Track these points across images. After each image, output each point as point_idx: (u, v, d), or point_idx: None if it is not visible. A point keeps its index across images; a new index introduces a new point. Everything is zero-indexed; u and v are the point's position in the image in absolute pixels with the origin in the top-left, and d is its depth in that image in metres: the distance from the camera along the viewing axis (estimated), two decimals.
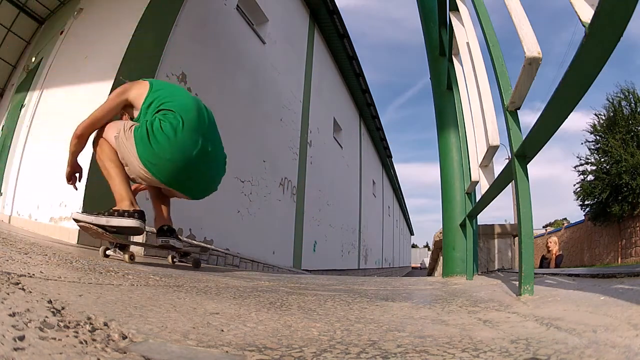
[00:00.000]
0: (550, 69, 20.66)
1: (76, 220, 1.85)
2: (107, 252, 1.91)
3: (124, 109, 1.96)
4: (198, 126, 1.84)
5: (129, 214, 1.76)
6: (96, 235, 1.83)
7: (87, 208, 2.82)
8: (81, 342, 0.51)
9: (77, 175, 2.06)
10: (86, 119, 1.91)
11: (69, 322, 0.58)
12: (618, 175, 10.60)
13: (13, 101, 5.31)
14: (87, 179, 2.85)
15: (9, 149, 4.56)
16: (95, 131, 1.88)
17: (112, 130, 1.83)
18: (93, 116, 1.91)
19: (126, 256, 1.82)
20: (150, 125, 1.73)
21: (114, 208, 1.81)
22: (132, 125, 1.79)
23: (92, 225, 1.78)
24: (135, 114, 1.89)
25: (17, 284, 0.78)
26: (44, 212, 3.27)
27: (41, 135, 3.97)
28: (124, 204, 1.80)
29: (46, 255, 1.50)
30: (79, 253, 1.95)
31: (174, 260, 2.19)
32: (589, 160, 12.01)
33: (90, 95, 3.28)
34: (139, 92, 1.87)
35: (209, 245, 2.32)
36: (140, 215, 1.80)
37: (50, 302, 0.67)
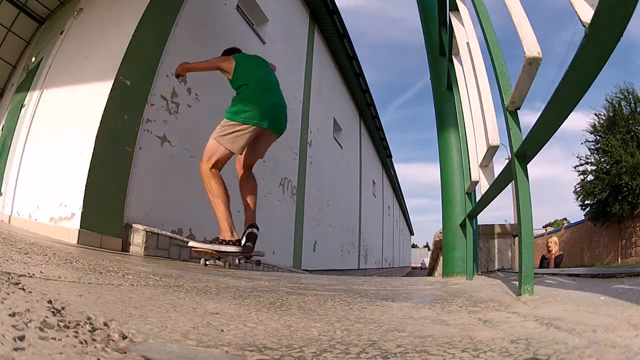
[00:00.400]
0: (550, 69, 20.61)
1: (193, 247, 2.51)
2: (207, 263, 2.56)
3: (222, 71, 2.85)
4: (268, 87, 2.72)
5: (232, 243, 2.47)
6: (205, 255, 2.54)
7: (87, 208, 2.82)
8: (81, 342, 0.51)
9: (183, 76, 3.05)
10: (190, 63, 2.95)
11: (69, 322, 0.58)
12: (618, 175, 10.58)
13: (13, 101, 5.31)
14: (88, 179, 2.86)
15: (9, 149, 4.56)
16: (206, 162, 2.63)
17: (211, 146, 2.64)
18: (195, 64, 2.97)
19: (226, 264, 2.57)
20: (237, 103, 2.62)
21: (221, 238, 2.47)
22: (222, 126, 2.63)
23: (207, 250, 2.46)
24: (228, 76, 2.80)
25: (17, 284, 0.78)
26: (44, 212, 3.27)
27: (41, 135, 3.97)
28: (227, 234, 2.48)
29: (46, 255, 1.50)
30: (79, 253, 1.95)
31: (240, 261, 2.83)
32: (589, 160, 12.00)
33: (90, 95, 3.28)
34: (230, 65, 2.77)
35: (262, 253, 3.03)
36: (238, 242, 2.50)
37: (50, 302, 0.67)
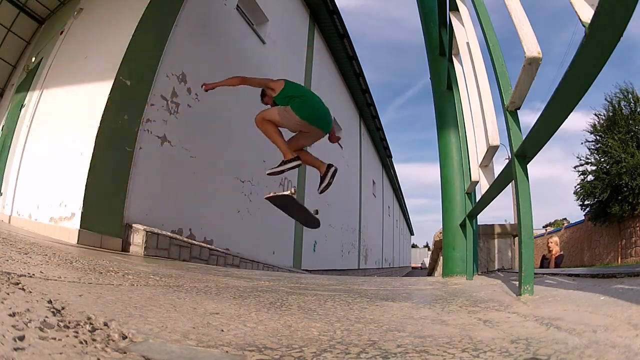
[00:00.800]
0: (551, 69, 20.58)
1: (269, 173, 3.18)
2: (273, 193, 3.30)
3: (266, 89, 3.29)
4: (312, 97, 3.28)
5: (292, 160, 3.12)
6: (279, 174, 3.20)
7: (87, 208, 2.82)
8: (81, 342, 0.51)
9: (211, 89, 3.35)
10: (241, 78, 3.27)
11: (69, 322, 0.58)
12: (618, 175, 10.57)
13: (13, 101, 5.31)
14: (87, 179, 2.86)
15: (9, 149, 4.56)
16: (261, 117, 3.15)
17: (272, 113, 3.11)
18: (246, 78, 3.29)
19: (292, 189, 3.32)
20: (299, 103, 3.11)
21: (284, 160, 3.12)
22: (284, 108, 3.09)
23: (280, 171, 3.15)
24: (272, 93, 3.22)
25: (17, 284, 0.78)
26: (44, 212, 3.27)
27: (41, 135, 3.97)
28: (288, 155, 3.12)
29: (46, 255, 1.50)
30: (79, 253, 1.95)
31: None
32: (589, 161, 11.98)
33: (90, 95, 3.28)
34: (278, 85, 3.22)
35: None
36: (297, 158, 3.14)
37: (50, 302, 0.67)
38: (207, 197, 4.17)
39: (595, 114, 11.99)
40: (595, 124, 11.97)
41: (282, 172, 3.20)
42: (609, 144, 10.95)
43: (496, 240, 3.24)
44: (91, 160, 2.88)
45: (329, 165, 3.49)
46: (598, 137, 11.80)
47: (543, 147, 1.20)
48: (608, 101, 11.63)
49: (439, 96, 2.96)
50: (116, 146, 3.08)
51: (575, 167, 12.38)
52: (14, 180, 4.09)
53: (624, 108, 11.49)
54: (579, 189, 12.24)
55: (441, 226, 2.76)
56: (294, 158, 3.18)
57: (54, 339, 0.50)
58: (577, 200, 12.41)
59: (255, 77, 3.39)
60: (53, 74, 4.31)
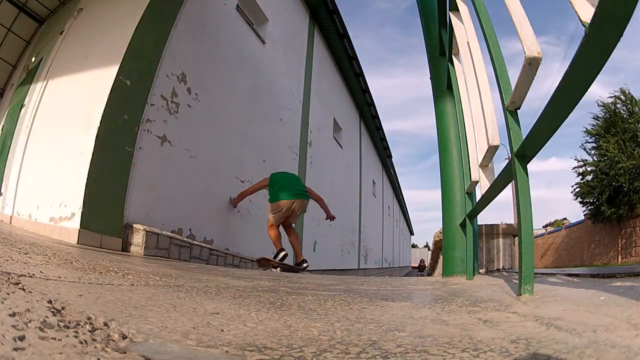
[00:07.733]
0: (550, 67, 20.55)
1: (266, 263, 4.03)
2: (273, 270, 3.99)
3: (266, 188, 4.33)
4: (288, 182, 4.30)
5: (280, 250, 4.09)
6: (267, 265, 4.06)
7: (87, 208, 2.82)
8: (81, 342, 0.51)
9: (236, 203, 4.51)
10: (244, 190, 4.53)
11: (69, 322, 0.58)
12: (616, 177, 10.59)
13: (13, 101, 5.31)
14: (87, 179, 2.86)
15: (9, 149, 4.56)
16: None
17: (268, 217, 4.20)
18: (248, 188, 4.53)
19: (278, 269, 4.02)
20: (270, 193, 4.19)
21: (275, 252, 4.09)
22: (269, 206, 4.16)
23: (272, 262, 4.05)
24: (267, 188, 4.28)
25: (17, 284, 0.78)
26: (44, 212, 3.27)
27: (41, 135, 3.97)
28: (277, 247, 4.10)
29: (46, 255, 1.50)
30: (79, 253, 1.95)
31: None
32: (587, 162, 12.00)
33: (90, 96, 3.28)
34: (268, 182, 4.27)
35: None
36: (283, 249, 4.10)
37: (50, 302, 0.67)
38: (207, 197, 4.17)
39: (593, 117, 12.03)
40: (593, 126, 11.99)
41: (277, 264, 4.02)
42: (608, 145, 10.96)
43: (496, 240, 3.24)
44: (91, 160, 2.88)
45: (304, 260, 4.27)
46: (595, 139, 11.82)
47: (543, 147, 1.20)
48: (607, 102, 11.64)
49: (439, 96, 2.96)
50: (116, 146, 3.08)
51: (573, 169, 12.40)
52: (14, 180, 4.09)
53: (621, 110, 11.50)
54: (577, 190, 12.26)
55: (441, 226, 2.76)
56: (280, 249, 4.09)
57: (54, 339, 0.50)
58: (577, 200, 12.44)
59: (252, 185, 4.49)
60: (53, 74, 4.31)
